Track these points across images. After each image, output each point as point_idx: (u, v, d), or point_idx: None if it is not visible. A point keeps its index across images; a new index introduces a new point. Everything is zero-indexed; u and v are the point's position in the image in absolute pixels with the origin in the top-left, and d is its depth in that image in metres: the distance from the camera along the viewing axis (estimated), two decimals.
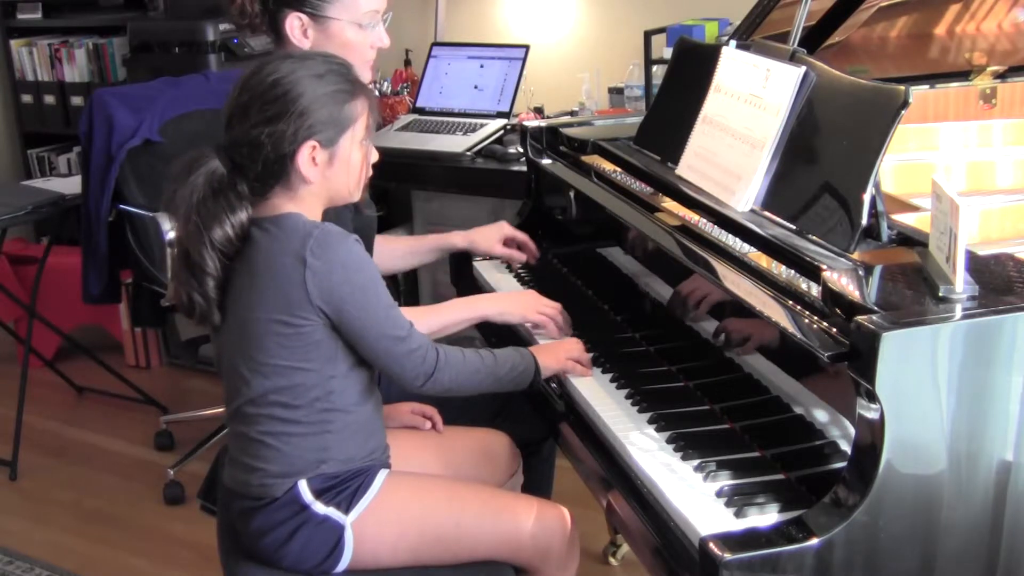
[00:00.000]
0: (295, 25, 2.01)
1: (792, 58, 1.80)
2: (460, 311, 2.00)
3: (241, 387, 1.68)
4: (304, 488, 1.67)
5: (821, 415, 1.49)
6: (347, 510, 1.68)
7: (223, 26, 3.81)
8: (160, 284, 3.12)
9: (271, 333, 1.63)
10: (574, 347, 1.88)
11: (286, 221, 1.65)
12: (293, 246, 1.62)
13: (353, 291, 1.63)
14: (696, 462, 1.55)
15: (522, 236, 2.33)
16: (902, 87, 1.57)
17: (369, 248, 2.13)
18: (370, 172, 1.75)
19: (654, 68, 3.05)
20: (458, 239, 2.33)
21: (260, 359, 1.65)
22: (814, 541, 1.31)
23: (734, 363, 1.69)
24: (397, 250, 2.34)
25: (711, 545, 1.33)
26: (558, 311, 2.02)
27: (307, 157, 1.63)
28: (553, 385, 1.89)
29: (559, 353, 1.86)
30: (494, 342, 2.11)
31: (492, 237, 2.32)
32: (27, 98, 4.51)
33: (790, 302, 1.49)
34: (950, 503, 1.35)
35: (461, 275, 2.46)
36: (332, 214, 1.75)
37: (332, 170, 1.67)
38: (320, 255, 1.61)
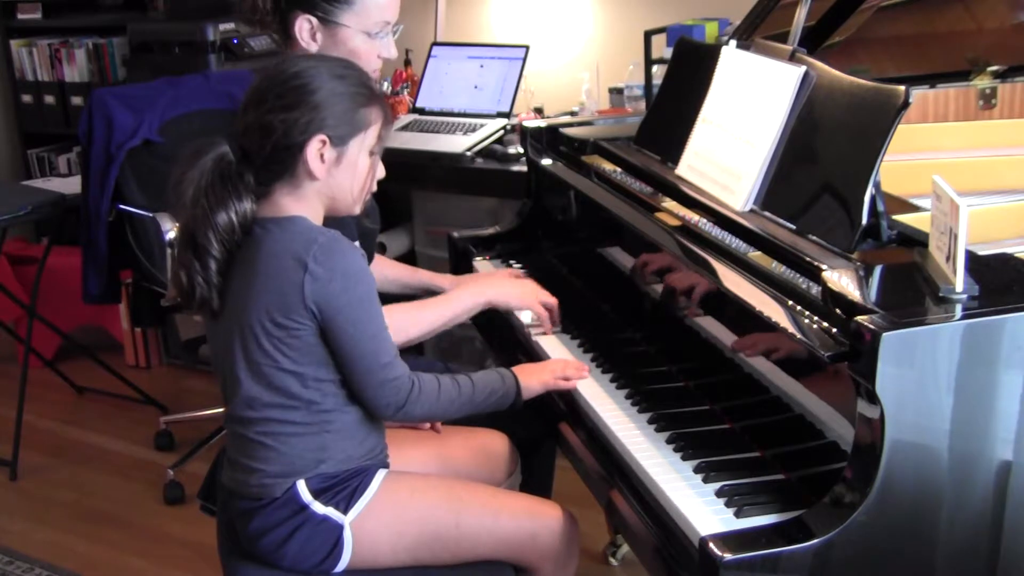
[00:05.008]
0: (304, 27, 2.01)
1: (792, 58, 1.80)
2: (467, 299, 2.05)
3: (237, 389, 1.68)
4: (302, 488, 1.67)
5: (821, 415, 1.49)
6: (345, 510, 1.68)
7: (223, 26, 3.81)
8: (160, 284, 3.12)
9: (264, 335, 1.63)
10: (558, 365, 1.89)
11: (291, 224, 1.65)
12: (296, 248, 1.62)
13: (350, 302, 1.62)
14: (696, 462, 1.55)
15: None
16: (902, 87, 1.57)
17: (369, 258, 2.13)
18: (374, 188, 1.76)
19: (654, 68, 3.05)
20: (447, 284, 2.29)
21: (255, 360, 1.65)
22: (814, 541, 1.31)
23: (734, 363, 1.69)
24: (386, 275, 2.28)
25: (711, 545, 1.33)
26: (556, 306, 2.07)
27: (315, 151, 1.63)
28: None
29: (543, 374, 1.86)
30: (491, 338, 2.12)
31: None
32: (27, 98, 4.51)
33: (790, 302, 1.49)
34: (950, 503, 1.35)
35: (460, 273, 2.45)
36: (337, 223, 1.75)
37: (338, 170, 1.66)
38: (323, 262, 1.60)
